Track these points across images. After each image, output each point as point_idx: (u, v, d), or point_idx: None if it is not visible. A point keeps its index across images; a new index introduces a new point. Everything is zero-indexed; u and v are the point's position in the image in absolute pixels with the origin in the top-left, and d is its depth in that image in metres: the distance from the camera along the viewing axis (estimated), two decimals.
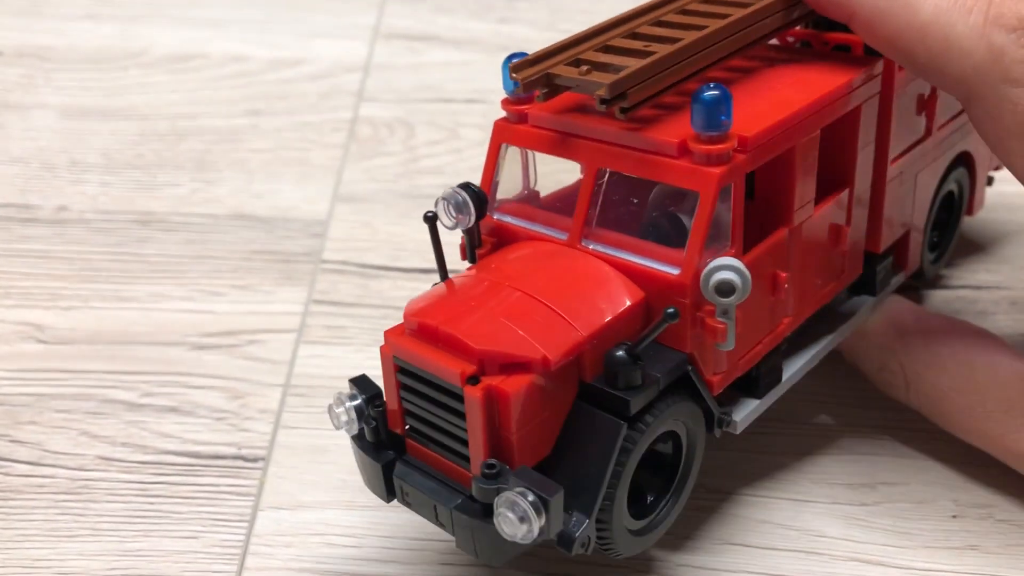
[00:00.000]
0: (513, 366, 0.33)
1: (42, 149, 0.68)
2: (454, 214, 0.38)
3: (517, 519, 0.31)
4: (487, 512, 0.33)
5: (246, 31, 0.82)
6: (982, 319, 0.52)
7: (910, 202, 0.46)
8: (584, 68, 0.36)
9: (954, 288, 0.54)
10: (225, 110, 0.72)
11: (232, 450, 0.46)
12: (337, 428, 0.37)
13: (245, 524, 0.43)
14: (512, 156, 0.41)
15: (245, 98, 0.73)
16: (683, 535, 0.42)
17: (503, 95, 0.40)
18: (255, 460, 0.46)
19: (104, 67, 0.77)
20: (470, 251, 0.40)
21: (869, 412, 0.47)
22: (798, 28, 0.44)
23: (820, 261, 0.41)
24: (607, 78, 0.35)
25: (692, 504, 0.43)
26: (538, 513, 0.31)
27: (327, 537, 0.42)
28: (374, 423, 0.36)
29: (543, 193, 0.42)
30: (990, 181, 0.55)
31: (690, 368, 0.36)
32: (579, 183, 0.41)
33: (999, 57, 0.36)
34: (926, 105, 0.45)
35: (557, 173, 0.41)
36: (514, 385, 0.33)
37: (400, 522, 0.42)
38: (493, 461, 0.33)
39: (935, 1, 0.36)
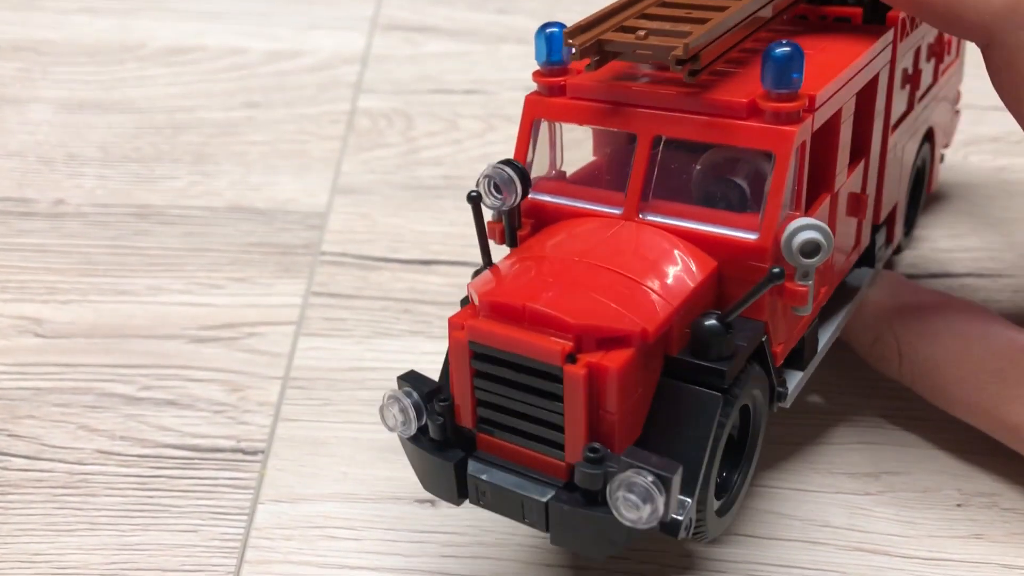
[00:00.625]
0: (610, 341, 0.31)
1: (39, 143, 0.67)
2: (498, 193, 0.36)
3: (640, 500, 0.29)
4: (590, 500, 0.31)
5: (243, 23, 0.81)
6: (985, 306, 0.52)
7: (898, 174, 0.46)
8: (641, 33, 0.34)
9: (958, 276, 0.54)
10: (223, 103, 0.72)
11: (231, 443, 0.46)
12: (391, 430, 0.35)
13: (245, 517, 0.42)
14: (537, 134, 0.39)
15: (243, 90, 0.73)
16: None
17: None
18: (254, 453, 0.45)
19: (101, 60, 0.77)
20: (510, 233, 0.37)
21: (872, 401, 0.47)
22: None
23: (847, 230, 0.41)
24: (671, 42, 0.33)
25: None
26: (660, 492, 0.29)
27: (327, 530, 0.42)
28: (440, 420, 0.34)
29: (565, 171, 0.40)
30: (941, 159, 0.55)
31: (764, 337, 0.34)
32: (604, 159, 0.40)
33: (1017, 4, 0.36)
34: (911, 79, 0.45)
35: (568, 149, 0.40)
36: (616, 361, 0.31)
37: (401, 515, 0.42)
38: (597, 445, 0.31)
39: None
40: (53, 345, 0.51)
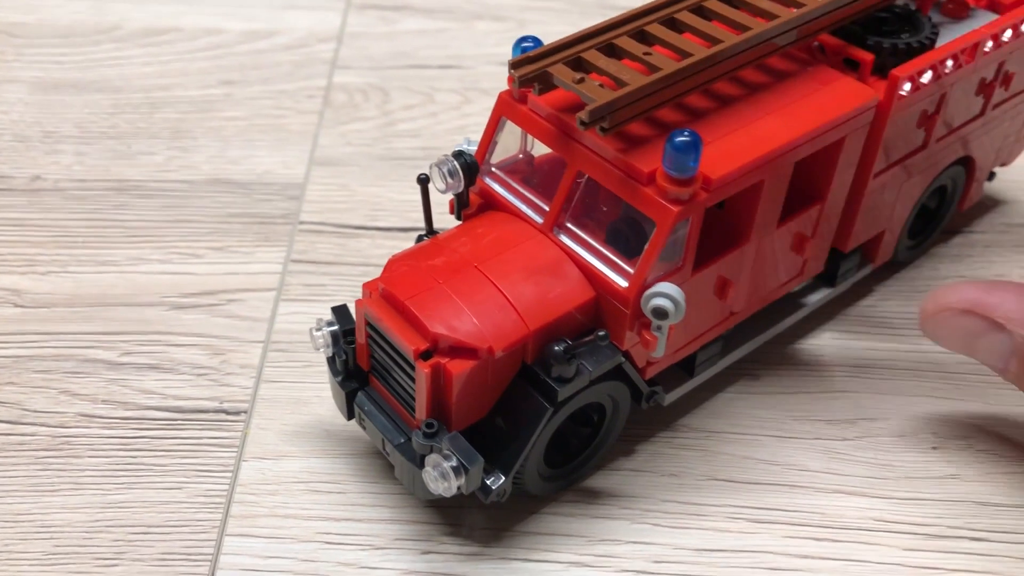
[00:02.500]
0: (460, 349, 0.36)
1: (14, 122, 0.67)
2: (448, 179, 0.41)
3: (439, 476, 0.36)
4: (421, 460, 0.37)
5: (219, 5, 0.81)
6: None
7: (890, 208, 0.47)
8: (579, 76, 0.37)
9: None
10: (199, 81, 0.71)
11: (214, 404, 0.46)
12: (316, 349, 0.40)
13: (229, 474, 0.43)
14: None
15: (219, 69, 0.73)
16: (668, 472, 0.42)
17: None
18: (237, 413, 0.45)
19: (76, 42, 0.76)
20: (458, 210, 0.43)
21: (851, 351, 0.48)
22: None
23: (779, 265, 0.43)
24: (595, 93, 0.36)
25: (676, 443, 0.44)
26: (457, 475, 0.36)
27: (311, 484, 0.42)
28: (344, 356, 0.40)
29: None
30: (991, 177, 0.54)
31: (623, 361, 0.39)
32: (557, 163, 0.41)
33: None
34: (928, 120, 0.45)
35: None
36: (459, 367, 0.36)
37: (385, 467, 0.42)
38: (432, 421, 0.37)
39: None
40: (33, 315, 0.51)
